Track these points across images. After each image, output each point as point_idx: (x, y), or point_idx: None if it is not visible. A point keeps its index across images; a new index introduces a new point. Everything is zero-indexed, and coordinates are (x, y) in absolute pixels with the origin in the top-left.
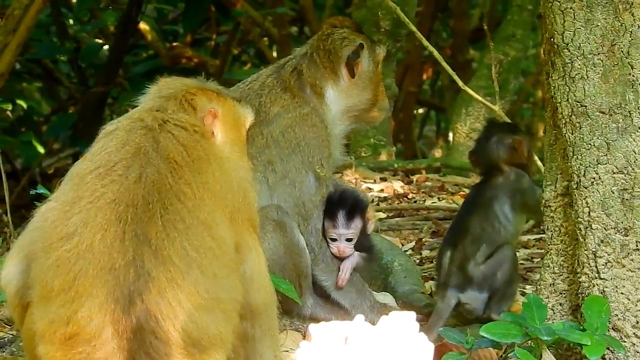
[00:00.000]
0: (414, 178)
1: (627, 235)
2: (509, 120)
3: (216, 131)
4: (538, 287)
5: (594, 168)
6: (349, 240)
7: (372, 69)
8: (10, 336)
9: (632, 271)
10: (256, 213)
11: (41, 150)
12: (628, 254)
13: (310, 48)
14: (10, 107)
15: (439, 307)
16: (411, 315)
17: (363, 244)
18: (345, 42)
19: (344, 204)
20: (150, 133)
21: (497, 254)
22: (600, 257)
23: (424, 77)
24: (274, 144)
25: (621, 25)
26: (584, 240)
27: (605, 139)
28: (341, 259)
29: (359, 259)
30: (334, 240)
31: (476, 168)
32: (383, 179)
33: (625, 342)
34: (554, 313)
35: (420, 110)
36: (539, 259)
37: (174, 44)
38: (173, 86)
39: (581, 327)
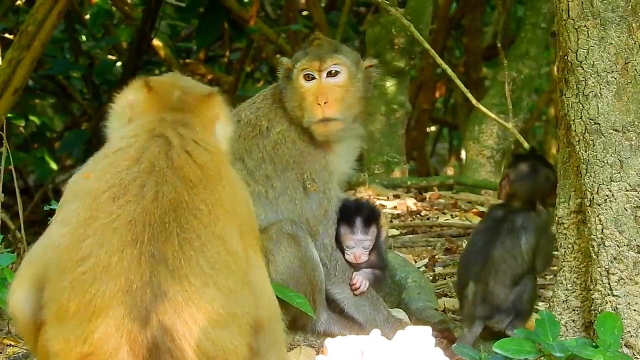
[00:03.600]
0: (427, 195)
1: (639, 253)
2: (521, 138)
3: (217, 129)
4: (551, 303)
5: (607, 185)
6: (365, 247)
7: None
8: (25, 351)
9: None
10: (257, 226)
11: (54, 166)
12: None
13: None
14: (23, 122)
15: (465, 336)
16: (427, 330)
17: (376, 261)
18: None
19: (361, 211)
20: (165, 149)
21: (522, 282)
22: (613, 274)
23: (437, 94)
24: (269, 158)
25: (635, 43)
26: (597, 257)
27: (619, 156)
28: (354, 267)
29: (372, 275)
30: (350, 247)
31: (506, 195)
32: (396, 196)
33: (637, 358)
34: (567, 330)
35: (433, 128)
36: (551, 276)
37: (188, 60)
38: (174, 95)
39: (594, 344)
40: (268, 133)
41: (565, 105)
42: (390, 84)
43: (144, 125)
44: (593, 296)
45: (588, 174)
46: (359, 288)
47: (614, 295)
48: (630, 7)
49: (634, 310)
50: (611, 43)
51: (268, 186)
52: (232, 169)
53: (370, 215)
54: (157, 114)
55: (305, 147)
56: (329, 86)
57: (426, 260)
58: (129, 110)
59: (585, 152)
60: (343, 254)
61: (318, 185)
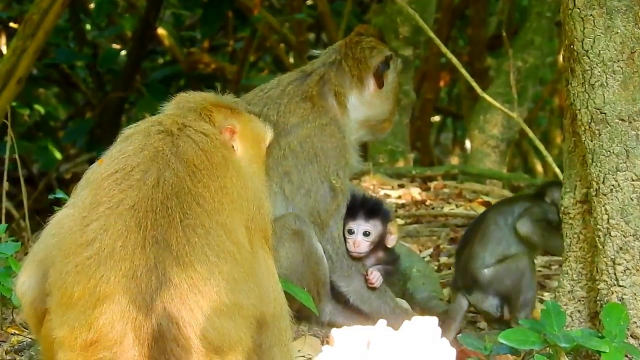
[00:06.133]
0: (432, 185)
1: None
2: (527, 128)
3: (236, 146)
4: (557, 294)
5: (613, 175)
6: (365, 234)
7: (396, 80)
8: (29, 340)
9: None
10: (269, 225)
11: (58, 156)
12: None
13: (338, 55)
14: (27, 111)
15: (450, 309)
16: (433, 320)
17: (386, 257)
18: (374, 51)
19: (366, 201)
20: (169, 137)
21: (509, 262)
22: (619, 264)
23: (441, 84)
24: (291, 154)
25: None
26: (603, 247)
27: (625, 146)
28: (356, 258)
29: (383, 271)
30: (351, 232)
31: None
32: (401, 186)
33: None
34: (573, 320)
35: (437, 118)
36: (557, 266)
37: (192, 49)
38: (192, 99)
39: (599, 334)
40: (294, 129)
41: (571, 94)
42: None
43: (149, 118)
44: (599, 286)
45: (594, 163)
46: (374, 283)
47: (619, 286)
48: None
49: None
50: (617, 32)
51: (285, 182)
52: (245, 163)
53: (374, 207)
54: (166, 110)
55: (339, 142)
56: None
57: (431, 250)
58: None
59: (591, 141)
60: (345, 243)
61: (341, 180)
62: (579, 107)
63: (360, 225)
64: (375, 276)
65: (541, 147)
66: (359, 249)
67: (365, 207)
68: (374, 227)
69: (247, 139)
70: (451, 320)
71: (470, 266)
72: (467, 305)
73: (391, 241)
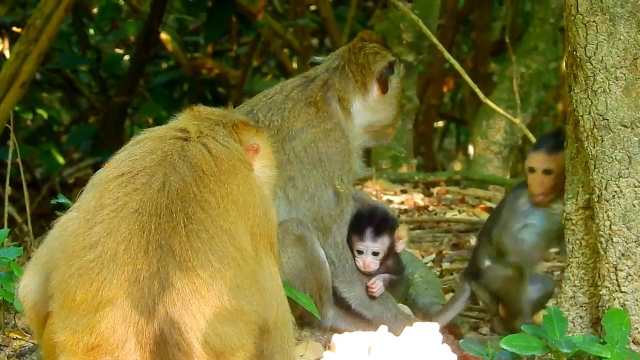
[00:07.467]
0: (435, 190)
1: None
2: (529, 134)
3: (254, 164)
4: (559, 299)
5: (615, 181)
6: (375, 254)
7: (399, 85)
8: (31, 345)
9: None
10: (275, 232)
11: (61, 160)
12: None
13: (341, 60)
14: (30, 116)
15: (455, 295)
16: (434, 326)
17: (393, 266)
18: (378, 56)
19: (373, 219)
20: (181, 142)
21: (504, 267)
22: (621, 270)
23: (445, 89)
24: (296, 159)
25: None
26: (605, 253)
27: (627, 152)
28: (366, 274)
29: (388, 280)
30: (360, 253)
31: None
32: (404, 191)
33: None
34: (575, 326)
35: (440, 123)
36: (559, 272)
37: (195, 54)
38: (213, 113)
39: (601, 340)
40: (299, 134)
41: (574, 100)
42: None
43: (172, 123)
44: (601, 292)
45: (596, 169)
46: (374, 292)
47: (621, 292)
48: (639, 2)
49: None
50: (620, 39)
51: (289, 187)
52: (254, 174)
53: (381, 224)
54: (191, 119)
55: (344, 147)
56: None
57: (433, 256)
58: None
59: (594, 147)
60: (354, 259)
61: (345, 186)
62: (581, 113)
63: (368, 247)
64: (377, 285)
65: None
66: (369, 268)
67: (372, 225)
68: (382, 244)
69: (266, 160)
70: (453, 300)
71: (476, 255)
72: (469, 292)
73: (400, 246)
